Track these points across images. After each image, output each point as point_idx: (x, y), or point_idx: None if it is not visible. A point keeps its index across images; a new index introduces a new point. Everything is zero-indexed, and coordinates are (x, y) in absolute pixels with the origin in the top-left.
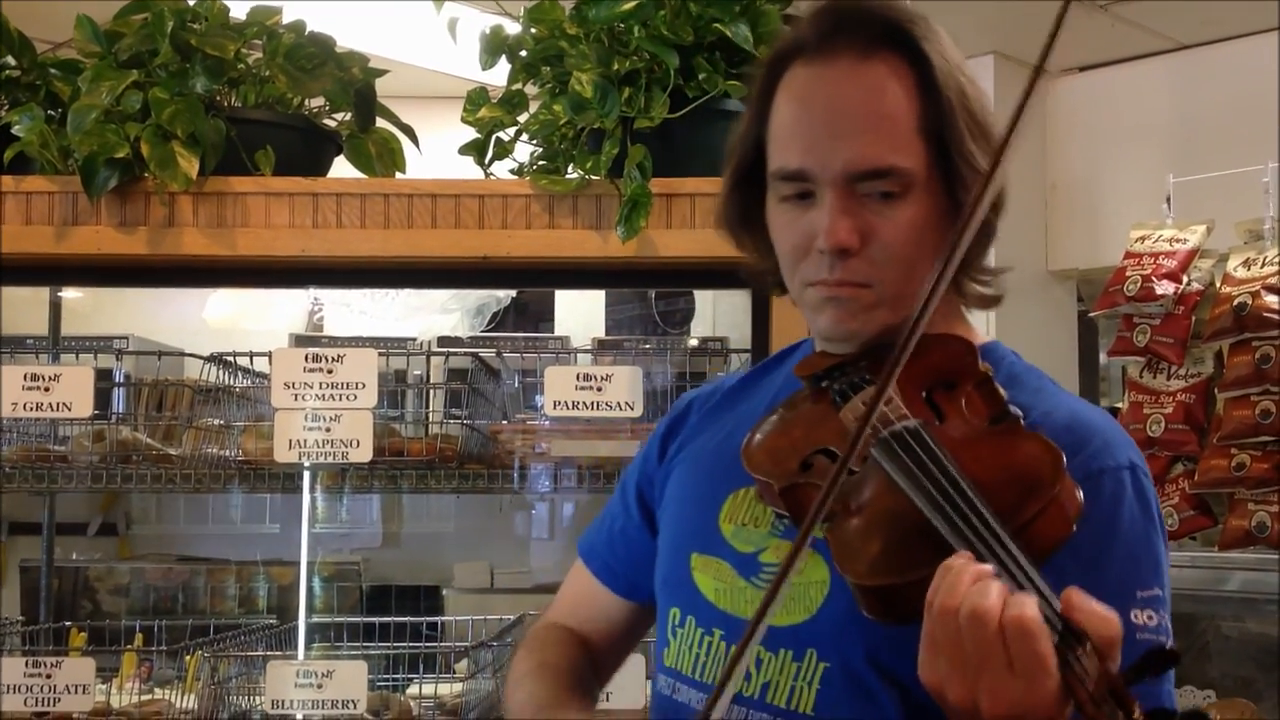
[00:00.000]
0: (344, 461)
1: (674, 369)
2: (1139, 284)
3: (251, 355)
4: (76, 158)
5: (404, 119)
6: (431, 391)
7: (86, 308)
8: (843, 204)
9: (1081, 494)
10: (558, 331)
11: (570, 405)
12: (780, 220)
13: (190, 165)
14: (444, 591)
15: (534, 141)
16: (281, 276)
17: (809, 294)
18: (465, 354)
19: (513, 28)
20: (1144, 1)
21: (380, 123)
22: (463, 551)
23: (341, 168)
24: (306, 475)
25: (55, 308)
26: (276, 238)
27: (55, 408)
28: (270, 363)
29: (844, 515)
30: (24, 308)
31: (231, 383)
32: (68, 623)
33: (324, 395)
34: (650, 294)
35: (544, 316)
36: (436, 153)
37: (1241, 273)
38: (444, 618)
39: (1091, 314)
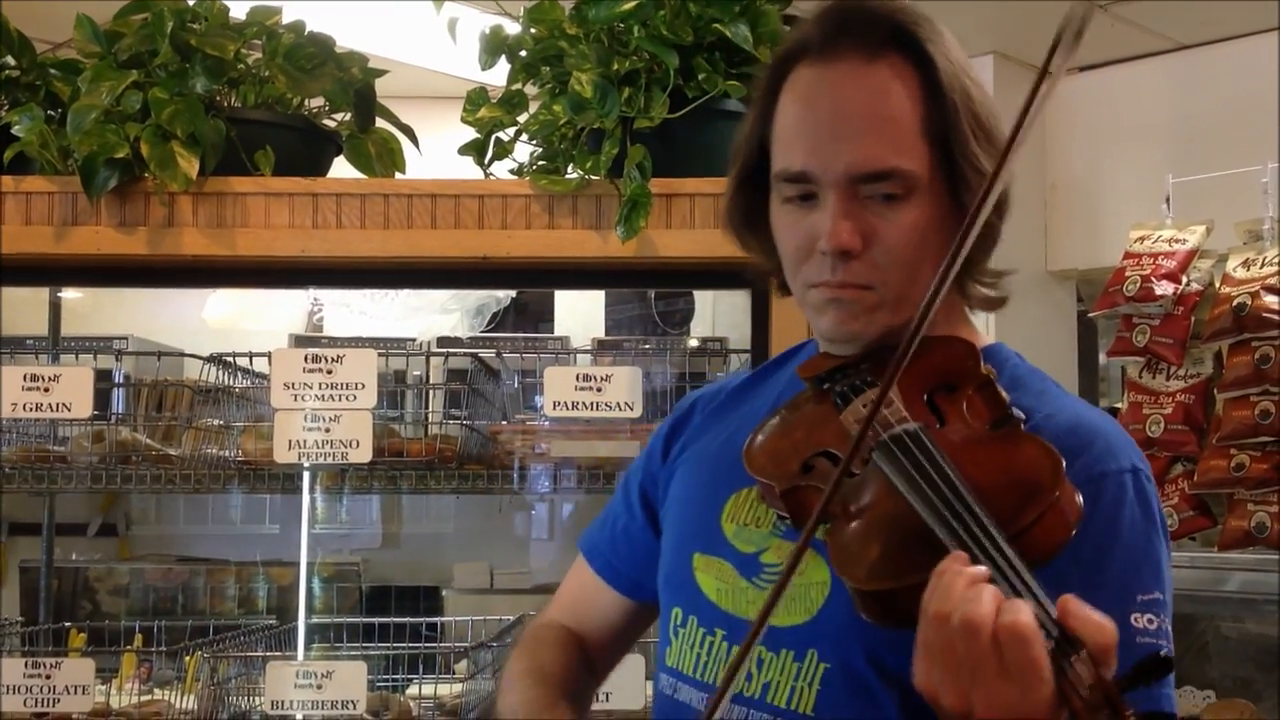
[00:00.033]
0: (343, 462)
1: (674, 369)
2: (1138, 284)
3: (251, 356)
4: (76, 158)
5: (404, 119)
6: (431, 392)
7: (86, 308)
8: (845, 206)
9: (1081, 499)
10: (557, 332)
11: (570, 406)
12: (783, 221)
13: (190, 165)
14: (443, 592)
15: (534, 142)
16: (281, 277)
17: (811, 295)
18: (465, 354)
19: (512, 28)
20: (1144, 1)
21: (380, 123)
22: (462, 552)
23: (341, 168)
24: (306, 476)
25: (55, 308)
26: (276, 238)
27: (55, 408)
28: (270, 363)
29: (843, 518)
30: (24, 308)
31: (231, 383)
32: (67, 623)
33: (323, 396)
34: (650, 294)
35: (544, 317)
36: (436, 153)
37: (1241, 273)
38: (443, 618)
39: (1091, 314)
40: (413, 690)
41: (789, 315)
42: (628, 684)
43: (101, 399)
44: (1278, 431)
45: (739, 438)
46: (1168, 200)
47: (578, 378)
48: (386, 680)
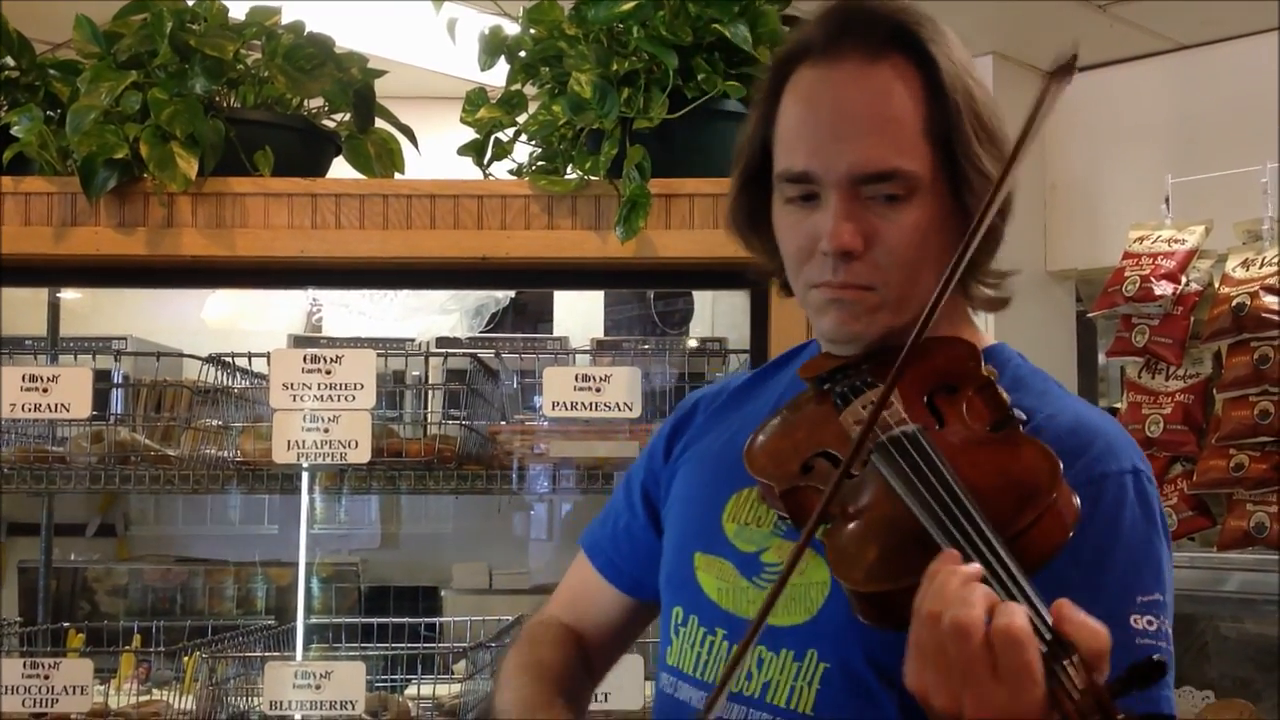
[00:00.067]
0: (342, 462)
1: (673, 370)
2: (1138, 284)
3: (250, 356)
4: (75, 158)
5: (403, 119)
6: (430, 392)
7: (85, 308)
8: (847, 206)
9: (1079, 501)
10: (556, 332)
11: (569, 406)
12: (785, 222)
13: (189, 166)
14: (442, 592)
15: (533, 142)
16: (280, 277)
17: (813, 296)
18: (464, 355)
19: (512, 28)
20: (1143, 1)
21: (379, 123)
22: (461, 552)
23: (340, 168)
24: (305, 476)
25: (54, 308)
26: (275, 238)
27: (54, 408)
28: (269, 363)
29: (841, 520)
30: (23, 308)
31: (230, 384)
32: (66, 624)
33: (322, 396)
34: (649, 294)
35: (543, 317)
36: (435, 153)
37: (1240, 273)
38: (442, 619)
39: (1090, 314)
40: (411, 690)
41: (788, 316)
42: (627, 684)
43: (100, 399)
44: (1277, 432)
45: (741, 438)
46: (1167, 200)
47: (577, 378)
48: (385, 680)
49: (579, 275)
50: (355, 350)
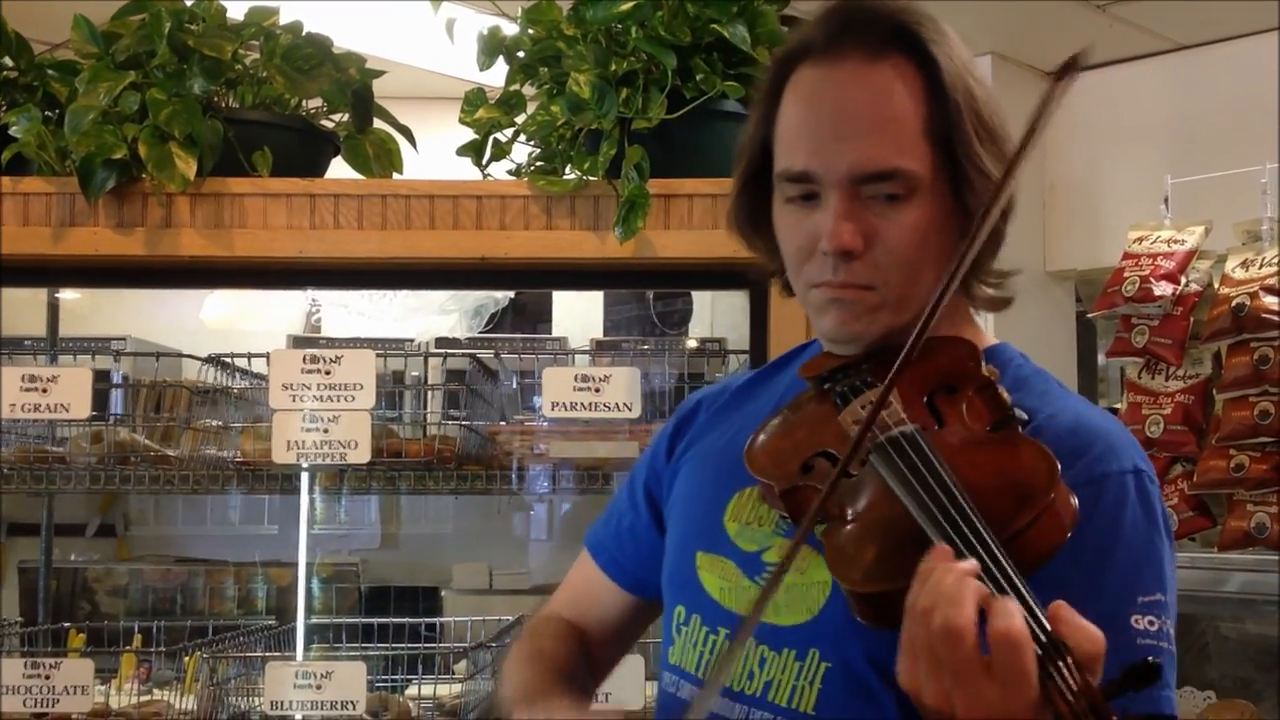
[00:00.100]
0: (342, 463)
1: (672, 370)
2: (1137, 285)
3: (249, 356)
4: (74, 159)
5: (401, 120)
6: (429, 393)
7: (84, 309)
8: (846, 206)
9: (1076, 502)
10: (556, 332)
11: (568, 406)
12: (785, 221)
13: (188, 166)
14: (442, 592)
15: (531, 142)
16: (279, 277)
17: (813, 295)
18: (463, 355)
19: (510, 28)
20: (1143, 1)
21: (377, 123)
22: (461, 552)
23: (339, 168)
24: (305, 476)
25: (53, 309)
26: (274, 239)
27: (53, 409)
28: (268, 364)
29: (839, 520)
30: (22, 309)
31: (229, 384)
32: (66, 624)
33: (322, 396)
34: (648, 295)
35: (542, 317)
36: (434, 153)
37: (1240, 274)
38: (443, 619)
39: (1090, 315)
40: (412, 691)
41: (788, 316)
42: (628, 684)
43: (100, 400)
44: (1277, 432)
45: (742, 437)
46: (1166, 201)
47: (576, 378)
48: (386, 681)
49: (578, 275)
50: (354, 350)
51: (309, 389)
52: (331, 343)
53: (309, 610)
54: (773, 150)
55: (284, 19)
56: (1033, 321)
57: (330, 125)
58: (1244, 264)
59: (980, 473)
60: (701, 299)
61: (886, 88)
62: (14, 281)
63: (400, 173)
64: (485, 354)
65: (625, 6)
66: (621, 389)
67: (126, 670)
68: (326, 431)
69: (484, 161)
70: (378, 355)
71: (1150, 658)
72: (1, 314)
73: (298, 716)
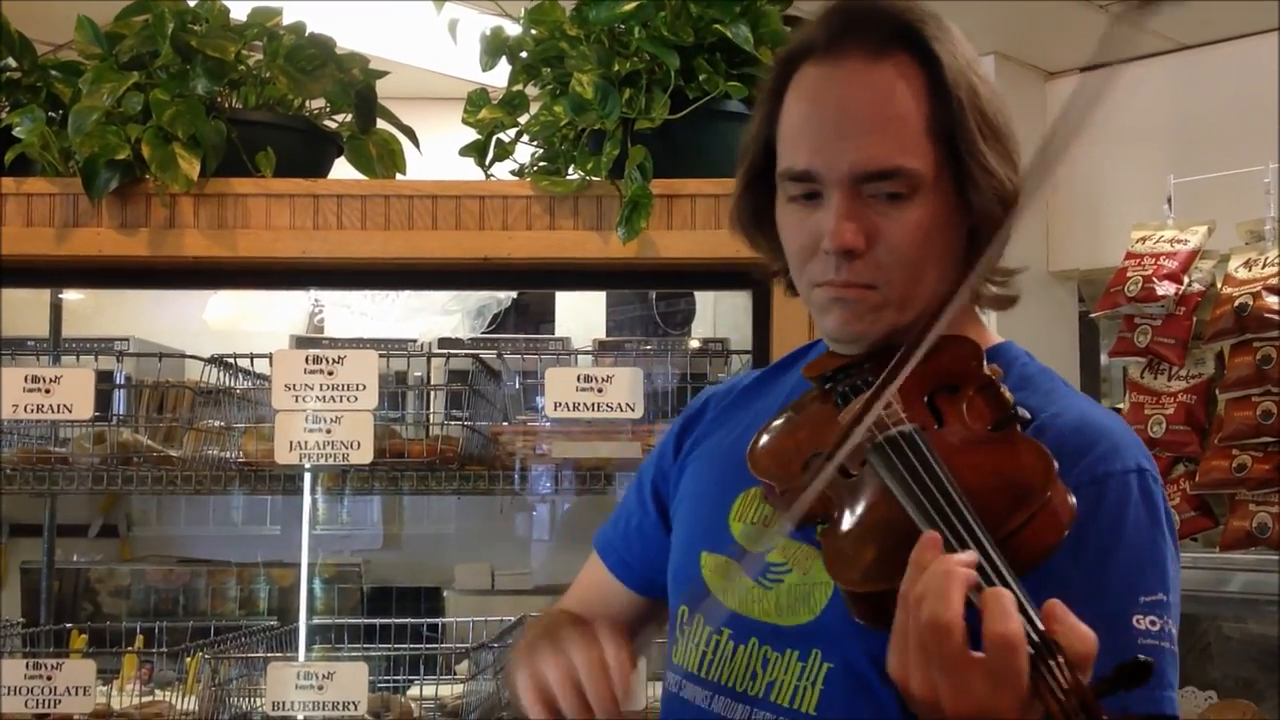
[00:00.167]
0: (344, 463)
1: (675, 370)
2: (1140, 285)
3: (252, 357)
4: (77, 159)
5: (404, 120)
6: (432, 393)
7: (87, 309)
8: (848, 205)
9: (1074, 501)
10: (558, 333)
11: (571, 407)
12: (788, 220)
13: (191, 167)
14: (445, 593)
15: (534, 143)
16: (282, 278)
17: (816, 295)
18: (466, 355)
19: (513, 29)
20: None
21: (381, 124)
22: (463, 553)
23: (342, 169)
24: (307, 477)
25: (56, 309)
26: (277, 239)
27: (56, 409)
28: (271, 364)
29: (838, 520)
30: (25, 310)
31: (232, 384)
32: (68, 624)
33: (325, 397)
34: (651, 295)
35: (545, 318)
36: (437, 154)
37: (1242, 273)
38: (445, 619)
39: (1092, 315)
40: (414, 691)
41: (790, 316)
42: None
43: (102, 400)
44: (1279, 432)
45: (748, 436)
46: (1169, 200)
47: (579, 379)
48: (387, 681)
49: (581, 276)
50: (357, 351)
51: (312, 389)
52: (334, 343)
53: (311, 611)
54: (775, 150)
55: (287, 19)
56: (1035, 321)
57: (333, 126)
58: (1247, 264)
59: (977, 472)
60: (704, 299)
61: (888, 86)
62: (17, 282)
63: (403, 173)
64: (488, 354)
65: (628, 7)
66: (624, 389)
67: (128, 671)
68: (329, 432)
69: (487, 162)
70: (380, 356)
71: (1142, 656)
72: (4, 314)
73: (299, 717)
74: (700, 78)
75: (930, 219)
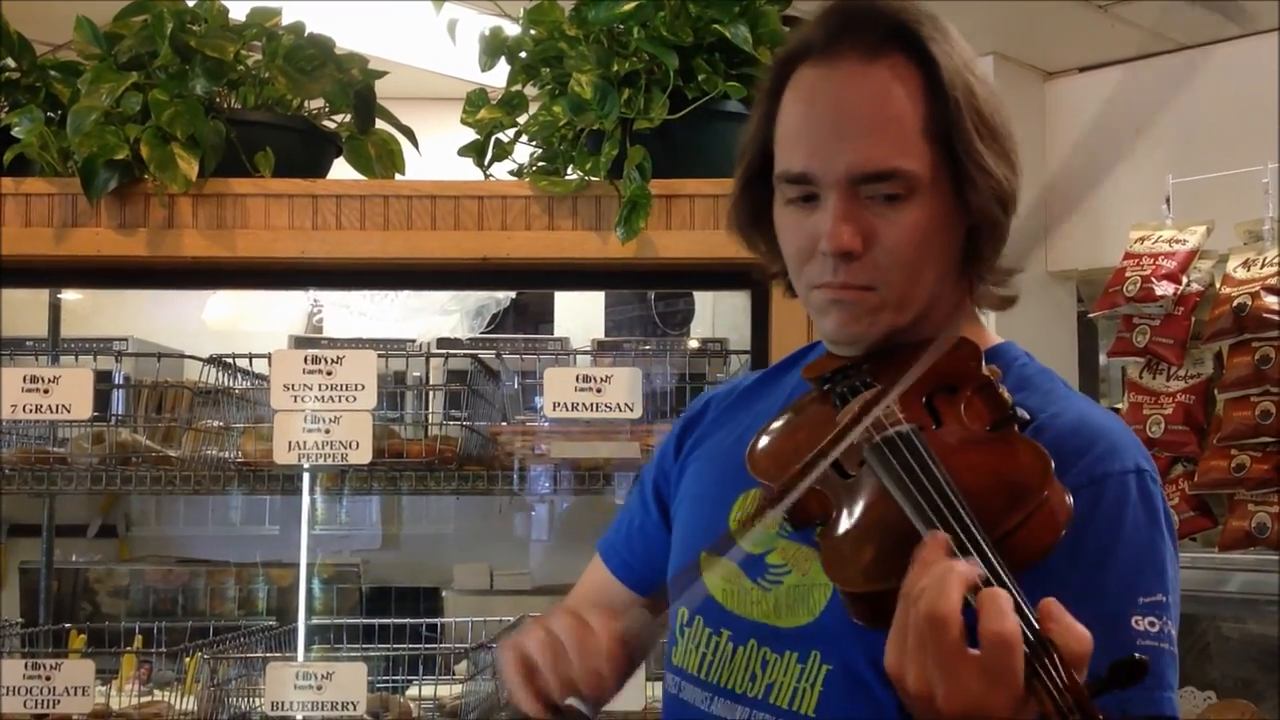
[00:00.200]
0: (343, 463)
1: (674, 370)
2: (1138, 285)
3: (251, 357)
4: (76, 159)
5: (403, 120)
6: (431, 393)
7: (86, 309)
8: (845, 207)
9: (1071, 500)
10: (557, 333)
11: (570, 407)
12: (786, 223)
13: (190, 167)
14: (443, 593)
15: (533, 143)
16: (281, 278)
17: (814, 296)
18: (465, 355)
19: (512, 29)
20: (1144, 1)
21: (379, 124)
22: (462, 553)
23: (341, 169)
24: (306, 477)
25: (55, 309)
26: (276, 239)
27: (55, 409)
28: (269, 364)
29: (836, 521)
30: (23, 310)
31: (231, 384)
32: (67, 624)
33: (323, 397)
34: (650, 295)
35: (543, 318)
36: (436, 154)
37: (1241, 273)
38: (443, 619)
39: (1091, 315)
40: (413, 691)
41: (789, 316)
42: (628, 685)
43: (101, 400)
44: (1278, 432)
45: (749, 437)
46: (1168, 200)
47: (578, 379)
48: (386, 681)
49: (580, 276)
50: (356, 351)
51: (310, 389)
52: (333, 343)
53: (310, 611)
54: (773, 152)
55: (286, 20)
56: (1034, 322)
57: (332, 126)
58: (1245, 264)
59: (974, 472)
60: (703, 299)
61: (884, 88)
62: (16, 282)
63: (402, 173)
64: (487, 354)
65: (627, 7)
66: (623, 389)
67: (127, 671)
68: (328, 432)
69: (486, 162)
70: (379, 356)
71: (1138, 654)
72: (3, 314)
73: (298, 717)
74: (699, 78)
75: (928, 220)
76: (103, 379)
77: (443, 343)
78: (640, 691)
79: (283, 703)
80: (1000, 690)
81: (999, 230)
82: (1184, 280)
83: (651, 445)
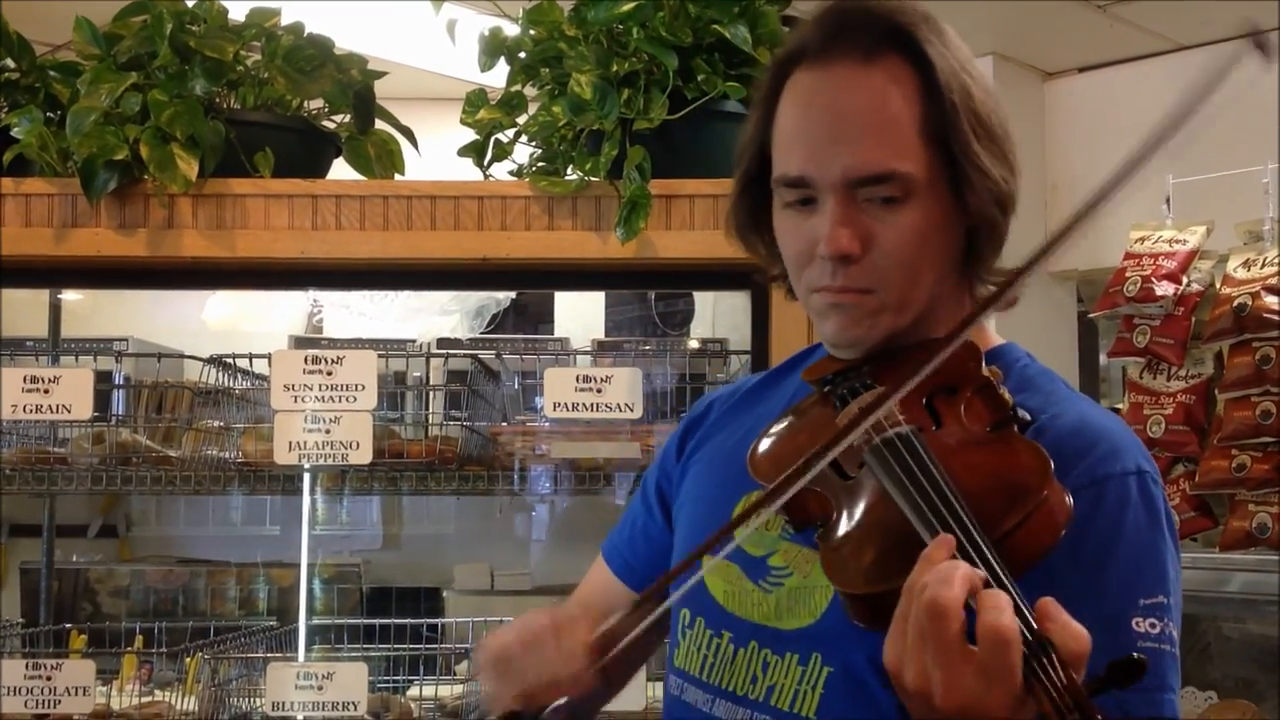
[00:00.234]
0: (344, 463)
1: (674, 371)
2: (1139, 285)
3: (251, 357)
4: (76, 160)
5: (403, 120)
6: (431, 393)
7: (86, 310)
8: (843, 210)
9: (1071, 501)
10: (557, 333)
11: (570, 407)
12: (784, 226)
13: (189, 167)
14: (444, 593)
15: (533, 143)
16: (281, 278)
17: (814, 300)
18: (465, 356)
19: (511, 29)
20: (1144, 1)
21: (379, 124)
22: (463, 553)
23: (340, 169)
24: (306, 477)
25: (55, 310)
26: (276, 239)
27: (55, 410)
28: (270, 365)
29: (835, 523)
30: (24, 310)
31: (231, 385)
32: (68, 625)
33: (324, 397)
34: (650, 295)
35: (543, 318)
36: (435, 154)
37: (1241, 273)
38: (444, 619)
39: (1091, 315)
40: (413, 691)
41: (789, 316)
42: (628, 685)
43: (101, 400)
44: (1278, 432)
45: (750, 439)
46: (1168, 201)
47: (578, 379)
48: (387, 681)
49: (579, 276)
50: (356, 351)
51: (311, 390)
52: (333, 343)
53: (310, 611)
54: (770, 155)
55: (285, 20)
56: (1034, 322)
57: (332, 126)
58: (1246, 264)
59: (973, 473)
60: (703, 299)
61: (881, 90)
62: (16, 282)
63: (402, 173)
64: (487, 354)
65: (626, 7)
66: (623, 389)
67: (128, 671)
68: (328, 432)
69: (485, 162)
70: (379, 356)
71: (1136, 654)
72: (3, 315)
73: (299, 717)
74: (699, 78)
75: (926, 222)
76: (103, 379)
77: (443, 343)
78: (641, 692)
79: (283, 703)
80: (998, 688)
81: (998, 231)
82: (1184, 280)
83: (652, 445)
